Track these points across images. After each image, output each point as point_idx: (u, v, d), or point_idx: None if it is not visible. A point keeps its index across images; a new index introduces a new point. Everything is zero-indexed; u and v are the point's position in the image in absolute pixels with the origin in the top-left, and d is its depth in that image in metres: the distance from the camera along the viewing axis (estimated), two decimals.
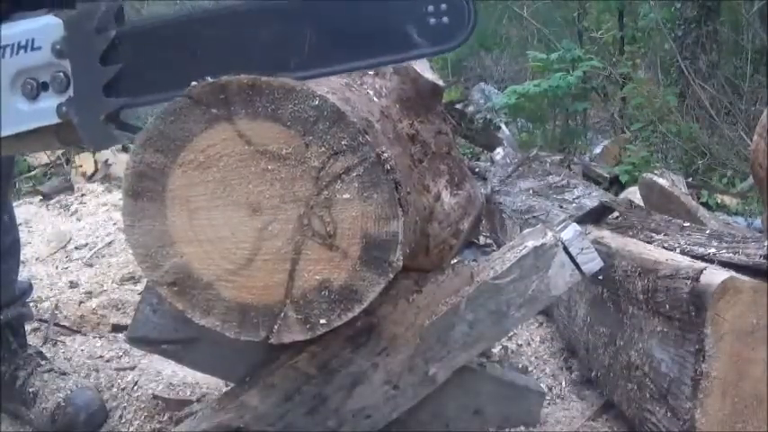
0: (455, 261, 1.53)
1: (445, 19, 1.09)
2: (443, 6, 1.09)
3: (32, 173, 4.31)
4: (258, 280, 1.12)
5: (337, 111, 1.07)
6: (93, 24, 1.12)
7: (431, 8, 1.09)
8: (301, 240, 1.10)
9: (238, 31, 1.12)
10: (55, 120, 1.14)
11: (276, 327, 1.13)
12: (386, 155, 1.08)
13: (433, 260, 1.37)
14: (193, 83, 1.10)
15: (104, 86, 1.12)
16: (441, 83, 1.41)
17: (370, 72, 1.35)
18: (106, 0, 1.13)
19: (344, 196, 1.08)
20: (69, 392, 1.64)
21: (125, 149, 4.00)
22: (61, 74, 1.13)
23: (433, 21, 1.09)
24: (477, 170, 3.86)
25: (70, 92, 1.13)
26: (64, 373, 1.72)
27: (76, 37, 1.12)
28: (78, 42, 1.12)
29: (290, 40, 1.11)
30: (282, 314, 1.12)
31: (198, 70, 1.10)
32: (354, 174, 1.07)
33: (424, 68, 1.38)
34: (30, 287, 1.88)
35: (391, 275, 1.10)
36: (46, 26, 1.13)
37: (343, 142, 1.07)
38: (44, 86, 1.15)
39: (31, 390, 1.66)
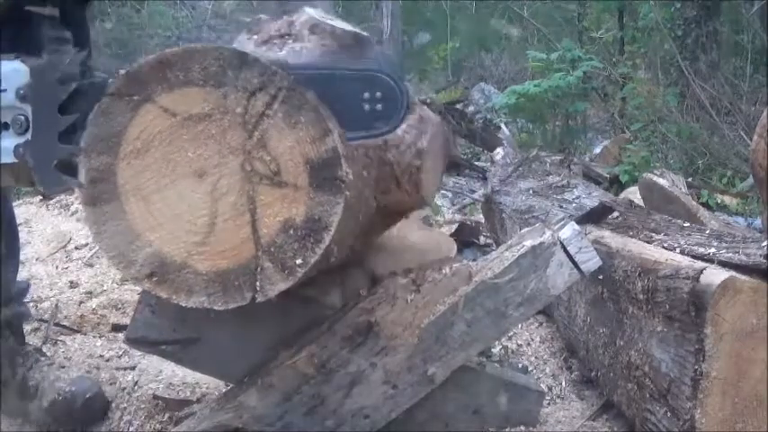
0: (454, 261, 1.53)
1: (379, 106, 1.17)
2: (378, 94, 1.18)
3: None
4: (226, 242, 1.13)
5: (239, 54, 1.11)
6: (56, 75, 1.20)
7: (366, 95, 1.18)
8: (251, 188, 1.12)
9: None
10: (11, 159, 1.20)
11: (258, 283, 1.13)
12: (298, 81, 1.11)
13: (408, 190, 1.36)
14: (110, 80, 1.15)
15: (60, 133, 1.18)
16: (364, 33, 1.41)
17: (289, 41, 1.36)
18: (71, 51, 1.21)
19: (275, 129, 1.11)
20: (67, 381, 1.64)
21: None
22: (22, 117, 1.20)
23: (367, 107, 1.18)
24: (475, 163, 3.84)
25: (28, 135, 1.20)
26: (62, 367, 1.73)
27: (40, 85, 1.20)
28: (41, 90, 1.20)
29: None
30: (259, 268, 1.13)
31: None
32: (276, 106, 1.10)
33: (342, 24, 1.39)
34: (28, 287, 1.88)
35: (347, 192, 1.11)
36: (13, 71, 1.20)
37: (254, 81, 1.10)
38: (5, 126, 1.21)
39: (30, 383, 1.66)
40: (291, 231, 1.11)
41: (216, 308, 1.14)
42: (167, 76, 1.11)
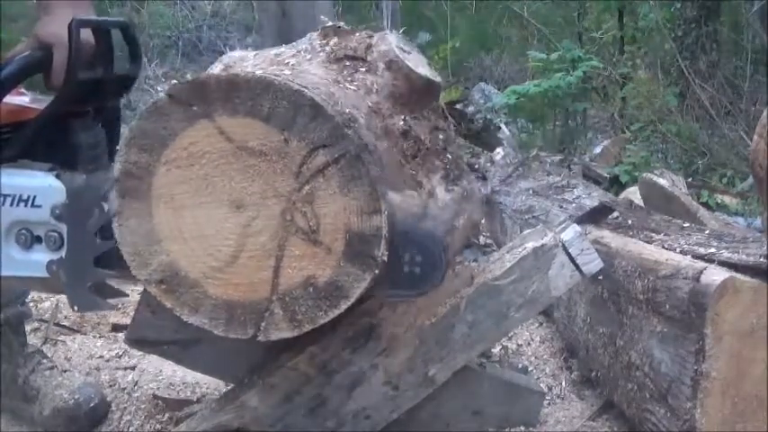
0: (456, 260, 1.53)
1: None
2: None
3: None
4: (243, 277, 1.11)
5: (316, 105, 1.06)
6: (96, 199, 1.16)
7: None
8: (285, 236, 1.09)
9: None
10: (44, 274, 1.19)
11: (263, 324, 1.12)
12: (367, 147, 1.08)
13: None
14: (173, 81, 1.12)
15: (96, 258, 1.17)
16: (437, 78, 1.40)
17: (362, 69, 1.35)
18: (110, 173, 1.16)
19: (326, 191, 1.08)
20: (71, 388, 1.64)
21: None
22: (56, 234, 1.18)
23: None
24: (477, 166, 3.85)
25: (62, 252, 1.18)
26: (65, 371, 1.73)
27: (77, 207, 1.17)
28: (77, 213, 1.17)
29: None
30: (269, 311, 1.12)
31: None
32: (335, 168, 1.07)
33: (418, 63, 1.37)
34: None
35: (376, 271, 1.09)
36: (49, 188, 1.18)
37: (322, 136, 1.06)
38: (38, 239, 1.19)
39: (32, 387, 1.66)
40: (311, 289, 1.10)
41: (215, 332, 1.13)
42: (234, 99, 1.07)
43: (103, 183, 1.15)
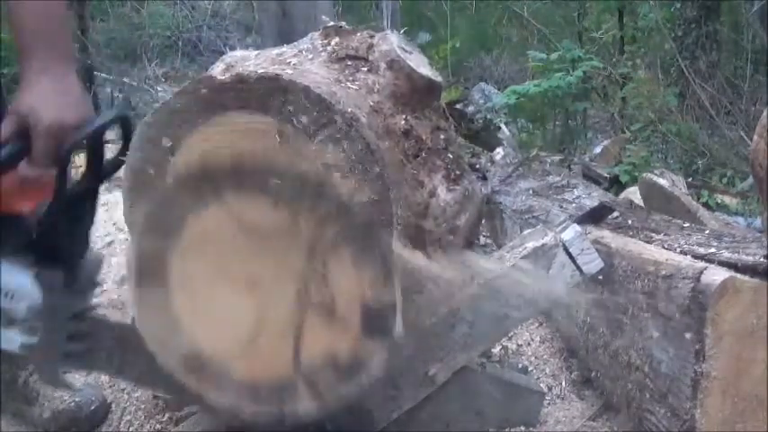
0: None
1: None
2: None
3: None
4: (265, 357, 1.11)
5: (318, 184, 1.06)
6: (69, 314, 1.20)
7: None
8: (302, 313, 1.09)
9: None
10: (17, 351, 1.22)
11: (288, 402, 1.12)
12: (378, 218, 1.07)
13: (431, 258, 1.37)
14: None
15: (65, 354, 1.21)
16: (438, 78, 1.40)
17: (363, 68, 1.35)
18: (89, 284, 1.23)
19: (339, 266, 1.07)
20: (71, 390, 1.64)
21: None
22: (31, 325, 1.20)
23: None
24: (477, 166, 3.85)
25: (35, 340, 1.20)
26: (65, 372, 1.72)
27: (51, 313, 1.19)
28: (51, 317, 1.20)
29: None
30: (293, 389, 1.11)
31: None
32: (345, 242, 1.06)
33: (419, 63, 1.37)
34: None
35: (394, 339, 1.09)
36: (28, 289, 1.19)
37: (330, 210, 1.05)
38: (11, 322, 1.21)
39: (32, 388, 1.66)
40: (333, 364, 1.10)
41: (241, 415, 1.14)
42: (242, 176, 1.07)
43: (81, 302, 1.22)
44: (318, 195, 1.06)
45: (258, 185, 1.06)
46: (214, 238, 1.09)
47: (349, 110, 1.10)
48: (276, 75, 1.09)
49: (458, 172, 1.37)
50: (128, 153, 1.14)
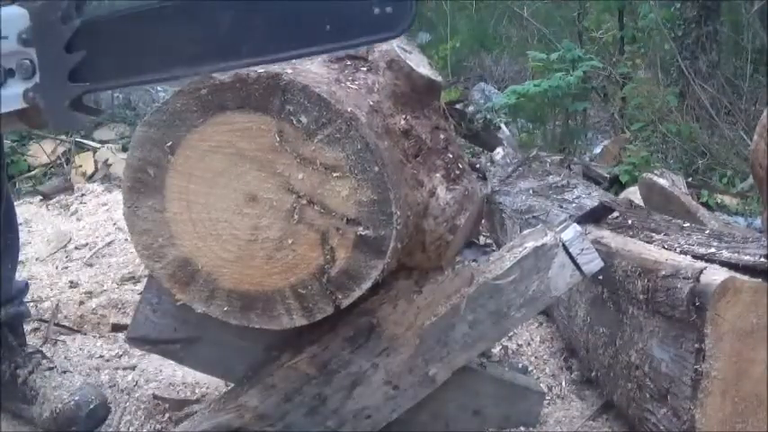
0: (456, 259, 1.53)
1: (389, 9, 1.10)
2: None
3: (32, 173, 4.30)
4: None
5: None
6: (57, 15, 1.16)
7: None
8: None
9: (191, 21, 1.16)
10: (21, 105, 1.19)
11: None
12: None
13: (430, 257, 1.38)
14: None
15: (69, 72, 1.17)
16: (438, 78, 1.40)
17: (363, 68, 1.36)
18: None
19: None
20: (71, 390, 1.64)
21: (124, 149, 4.00)
22: (27, 61, 1.18)
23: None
24: (478, 166, 3.85)
25: (36, 78, 1.18)
26: (65, 371, 1.72)
27: (42, 27, 1.17)
28: (44, 31, 1.17)
29: (241, 29, 1.13)
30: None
31: (157, 57, 1.14)
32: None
33: (419, 63, 1.38)
34: (26, 287, 1.88)
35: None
36: (12, 15, 1.18)
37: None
38: (10, 73, 1.19)
39: (32, 388, 1.66)
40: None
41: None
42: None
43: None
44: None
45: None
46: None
47: (348, 109, 1.11)
48: (275, 74, 1.10)
49: (457, 171, 1.38)
50: (128, 153, 1.16)
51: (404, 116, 1.34)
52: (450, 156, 1.38)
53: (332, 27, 1.11)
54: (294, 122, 1.09)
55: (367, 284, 1.13)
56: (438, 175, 1.34)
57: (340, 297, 1.14)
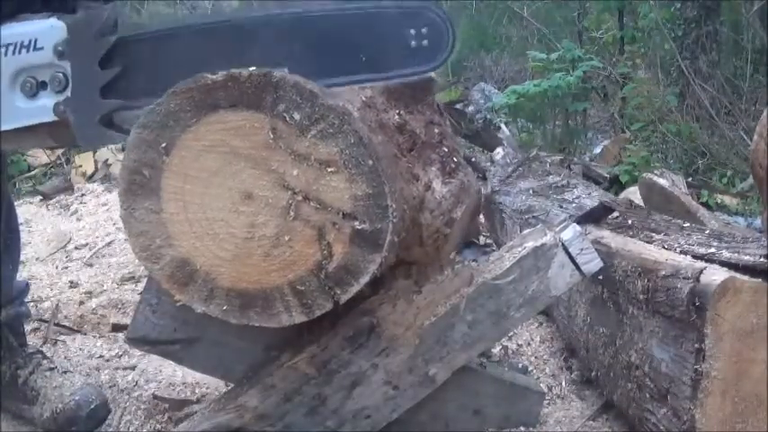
0: (456, 259, 1.53)
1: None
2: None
3: (32, 173, 4.31)
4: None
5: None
6: (94, 30, 1.17)
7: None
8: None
9: (228, 42, 1.17)
10: (51, 118, 1.18)
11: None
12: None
13: (428, 251, 1.37)
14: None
15: (101, 88, 1.17)
16: (431, 74, 1.41)
17: None
18: (108, 6, 1.17)
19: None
20: (71, 390, 1.64)
21: (124, 149, 4.00)
22: (61, 74, 1.18)
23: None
24: (473, 159, 3.86)
25: (68, 92, 1.18)
26: (66, 372, 1.72)
27: (78, 40, 1.17)
28: (79, 46, 1.17)
29: (279, 56, 1.14)
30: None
31: (189, 76, 1.13)
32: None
33: None
34: (27, 287, 1.88)
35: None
36: (50, 28, 1.18)
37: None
38: (43, 86, 1.19)
39: (32, 388, 1.66)
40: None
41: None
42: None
43: (102, 14, 1.16)
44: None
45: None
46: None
47: (341, 104, 1.12)
48: (267, 71, 1.10)
49: (453, 165, 1.38)
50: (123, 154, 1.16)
51: (397, 111, 1.35)
52: (446, 150, 1.39)
53: (367, 58, 1.12)
54: (287, 119, 1.09)
55: (365, 279, 1.12)
56: (433, 168, 1.35)
57: (339, 292, 1.14)
